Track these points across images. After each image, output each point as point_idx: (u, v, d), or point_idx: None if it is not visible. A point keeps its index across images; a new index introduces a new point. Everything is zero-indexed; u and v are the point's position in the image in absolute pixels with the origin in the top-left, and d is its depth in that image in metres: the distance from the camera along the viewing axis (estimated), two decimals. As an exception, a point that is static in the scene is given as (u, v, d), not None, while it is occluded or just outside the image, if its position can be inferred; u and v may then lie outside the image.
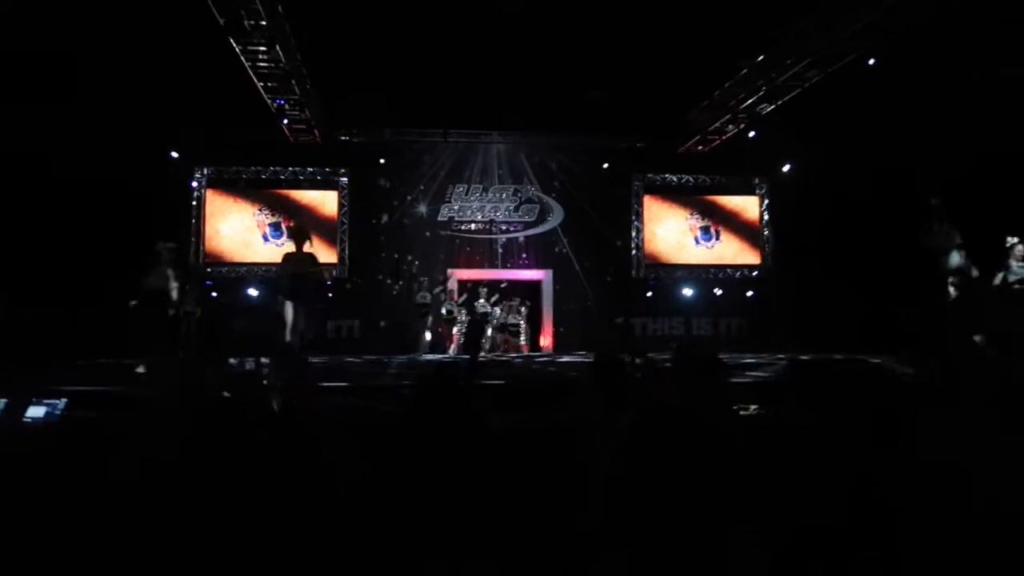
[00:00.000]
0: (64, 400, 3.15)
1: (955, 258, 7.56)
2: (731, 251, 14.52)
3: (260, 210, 13.49)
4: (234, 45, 8.65)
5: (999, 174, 10.16)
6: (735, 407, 3.14)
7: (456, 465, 1.89)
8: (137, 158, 11.27)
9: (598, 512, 1.53)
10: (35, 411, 3.10)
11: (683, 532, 1.40)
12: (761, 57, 9.98)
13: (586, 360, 8.66)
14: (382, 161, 13.60)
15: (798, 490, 1.57)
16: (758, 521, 1.43)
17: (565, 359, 10.91)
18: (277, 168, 13.60)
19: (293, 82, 10.04)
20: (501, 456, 1.87)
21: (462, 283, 13.47)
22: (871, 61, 9.24)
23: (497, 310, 12.80)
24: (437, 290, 12.80)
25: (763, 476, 1.59)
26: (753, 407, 3.53)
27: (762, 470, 1.60)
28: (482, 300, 12.51)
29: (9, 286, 8.51)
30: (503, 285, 13.10)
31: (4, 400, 3.10)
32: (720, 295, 14.10)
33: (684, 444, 1.55)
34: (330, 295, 13.22)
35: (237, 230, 13.42)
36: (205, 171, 13.42)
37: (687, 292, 13.96)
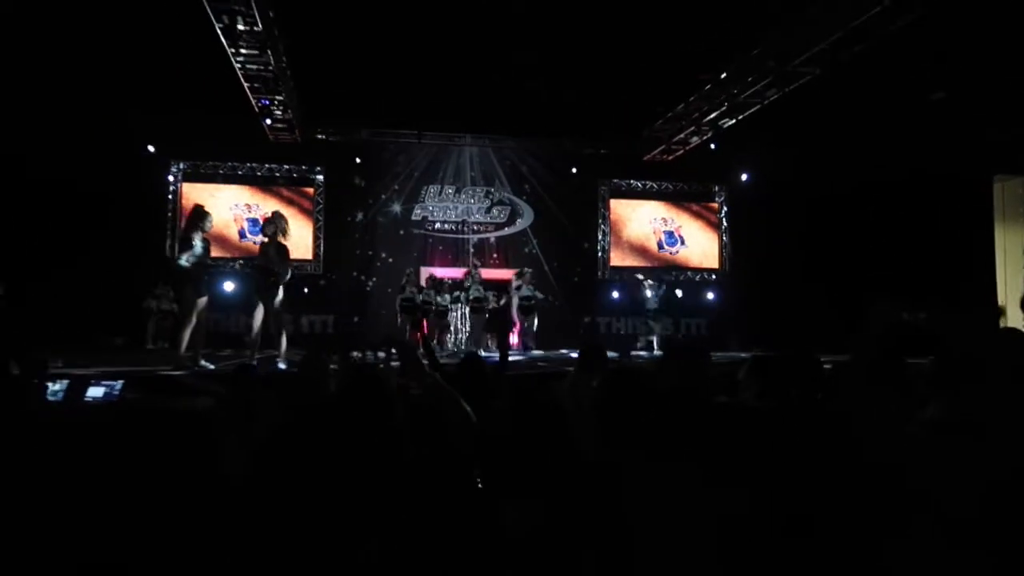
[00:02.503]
0: (121, 382, 3.50)
1: None
2: (693, 255, 15.22)
3: (237, 204, 13.68)
4: (226, 47, 8.89)
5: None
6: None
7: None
8: (113, 152, 11.44)
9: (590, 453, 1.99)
10: (95, 391, 3.46)
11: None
12: (724, 75, 10.62)
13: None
14: (358, 160, 13.91)
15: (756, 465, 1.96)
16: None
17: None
18: (254, 164, 13.81)
19: (279, 84, 10.30)
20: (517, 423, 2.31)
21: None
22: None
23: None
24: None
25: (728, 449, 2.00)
26: (722, 397, 4.04)
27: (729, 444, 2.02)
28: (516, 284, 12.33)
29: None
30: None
31: (66, 381, 3.45)
32: (681, 297, 14.76)
33: (641, 397, 2.00)
34: (305, 290, 13.51)
35: (214, 225, 13.49)
36: (181, 165, 13.55)
37: (649, 294, 14.57)
